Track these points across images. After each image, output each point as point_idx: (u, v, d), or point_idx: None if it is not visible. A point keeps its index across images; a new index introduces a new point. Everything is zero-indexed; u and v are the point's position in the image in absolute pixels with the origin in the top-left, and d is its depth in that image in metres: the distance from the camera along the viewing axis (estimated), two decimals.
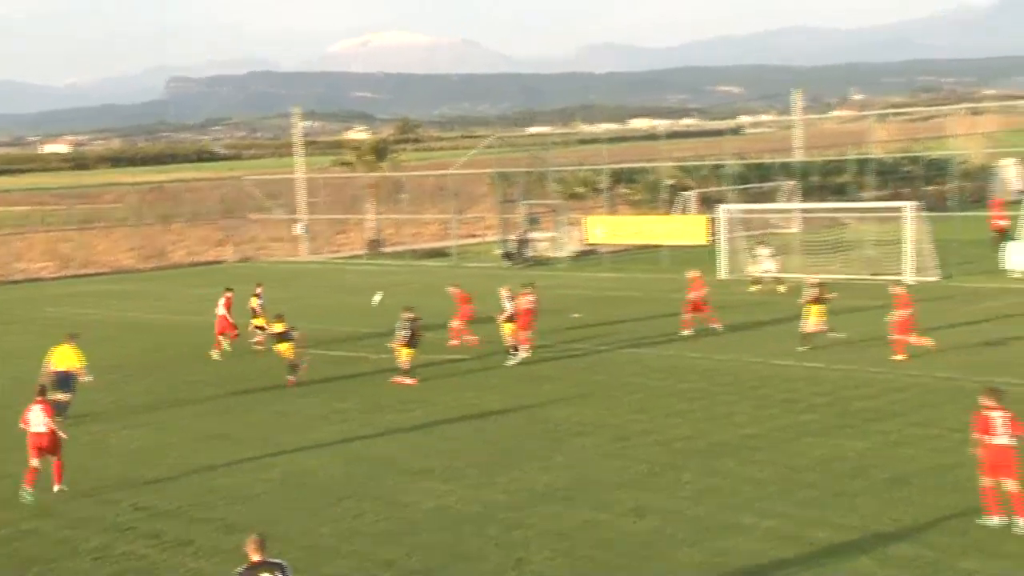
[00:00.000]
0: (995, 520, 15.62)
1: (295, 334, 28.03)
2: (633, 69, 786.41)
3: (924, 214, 42.59)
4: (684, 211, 55.94)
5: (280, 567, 11.26)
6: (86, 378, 24.42)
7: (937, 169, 71.36)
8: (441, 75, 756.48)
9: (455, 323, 31.81)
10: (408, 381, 26.69)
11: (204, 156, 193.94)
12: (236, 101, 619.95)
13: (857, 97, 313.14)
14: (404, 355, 26.80)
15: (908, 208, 42.12)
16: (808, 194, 61.73)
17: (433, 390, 26.38)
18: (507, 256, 54.23)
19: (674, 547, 15.49)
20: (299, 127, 71.05)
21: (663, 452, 20.21)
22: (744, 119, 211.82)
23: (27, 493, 18.75)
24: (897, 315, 27.43)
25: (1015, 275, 40.17)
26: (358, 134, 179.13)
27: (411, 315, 26.95)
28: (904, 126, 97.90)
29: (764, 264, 39.50)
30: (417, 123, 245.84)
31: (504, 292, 28.29)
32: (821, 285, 29.59)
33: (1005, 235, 44.95)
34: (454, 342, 31.51)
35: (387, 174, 67.42)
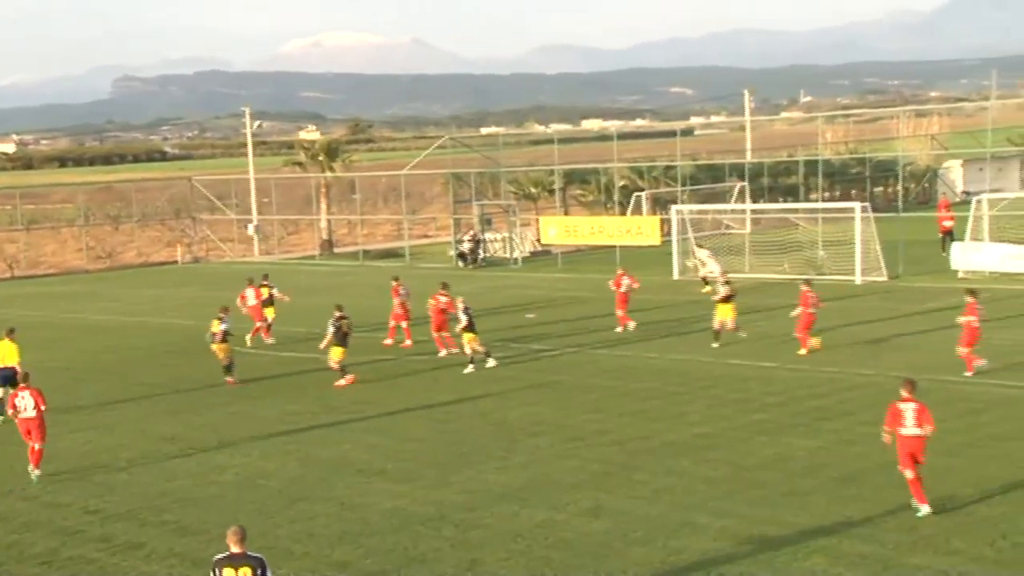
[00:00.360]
0: (925, 508, 16.10)
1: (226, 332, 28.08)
2: (585, 70, 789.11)
3: (872, 215, 43.12)
4: (637, 212, 56.22)
5: (260, 562, 11.23)
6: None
7: (884, 170, 72.39)
8: (392, 75, 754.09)
9: (394, 322, 32.08)
10: (342, 381, 26.66)
11: (154, 156, 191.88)
12: (185, 101, 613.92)
13: (806, 99, 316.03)
14: (335, 354, 26.72)
15: (857, 209, 42.61)
16: (759, 195, 62.35)
17: (387, 391, 26.32)
18: (461, 257, 54.18)
19: (629, 546, 15.57)
20: (250, 127, 70.52)
21: (618, 452, 20.31)
22: (696, 120, 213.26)
23: (32, 472, 20.08)
24: (798, 312, 28.42)
25: (961, 275, 40.77)
26: (310, 134, 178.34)
27: (340, 314, 26.90)
28: (852, 128, 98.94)
29: (710, 266, 39.99)
30: (369, 123, 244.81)
31: (460, 303, 28.26)
32: (730, 283, 30.32)
33: (951, 236, 45.63)
34: (387, 341, 31.75)
35: (339, 174, 67.11)
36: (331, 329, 26.82)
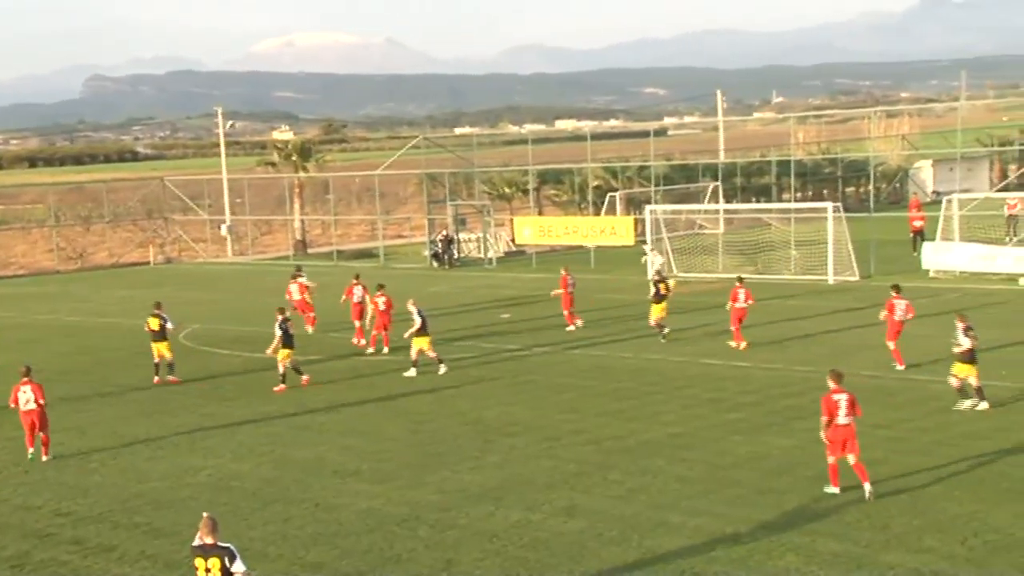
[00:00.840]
0: (836, 490, 17.03)
1: (170, 327, 28.06)
2: (558, 70, 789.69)
3: (844, 215, 43.38)
4: (611, 212, 56.34)
5: (229, 551, 11.36)
6: None
7: (856, 171, 72.88)
8: (366, 75, 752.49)
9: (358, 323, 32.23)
10: (281, 386, 26.48)
11: (125, 156, 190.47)
12: (157, 101, 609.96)
13: (778, 99, 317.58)
14: (282, 357, 26.61)
15: (829, 209, 42.86)
16: (732, 195, 62.61)
17: (361, 391, 26.25)
18: (435, 257, 54.11)
19: (604, 546, 15.59)
20: (223, 127, 70.17)
21: (593, 452, 20.33)
22: (669, 121, 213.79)
23: (30, 453, 21.44)
24: (730, 306, 29.47)
25: (932, 274, 41.06)
26: (283, 134, 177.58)
27: (283, 316, 26.80)
28: (823, 128, 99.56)
29: (656, 265, 40.55)
30: (343, 123, 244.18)
31: (411, 306, 28.28)
32: (663, 281, 31.46)
33: (922, 235, 45.96)
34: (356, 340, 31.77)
35: (313, 175, 66.88)
36: (279, 332, 26.66)
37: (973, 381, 22.02)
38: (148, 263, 62.45)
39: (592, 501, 17.53)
